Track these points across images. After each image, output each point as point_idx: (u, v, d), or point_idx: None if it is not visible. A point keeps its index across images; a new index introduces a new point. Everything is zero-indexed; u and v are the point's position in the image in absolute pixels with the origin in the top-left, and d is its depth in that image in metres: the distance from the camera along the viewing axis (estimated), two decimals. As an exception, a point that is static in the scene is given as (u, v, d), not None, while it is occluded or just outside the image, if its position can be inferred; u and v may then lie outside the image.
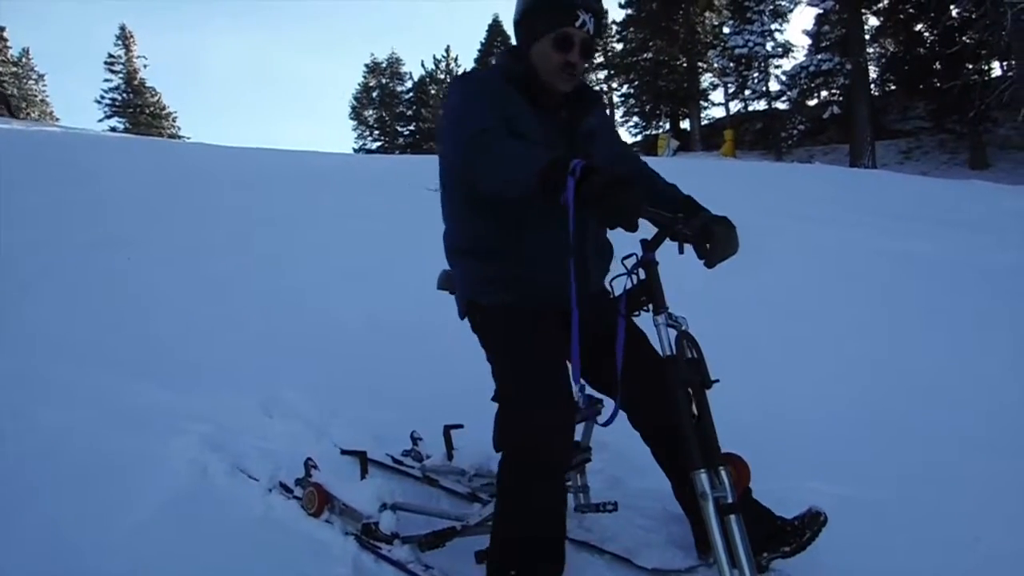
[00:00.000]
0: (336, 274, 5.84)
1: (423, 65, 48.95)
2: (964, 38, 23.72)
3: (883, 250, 6.86)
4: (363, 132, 47.44)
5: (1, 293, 4.94)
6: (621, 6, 35.80)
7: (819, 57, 27.26)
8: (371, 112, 47.40)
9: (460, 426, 2.81)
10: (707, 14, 33.84)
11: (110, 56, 42.38)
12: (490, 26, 44.91)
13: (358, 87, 47.65)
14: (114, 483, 2.58)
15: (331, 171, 12.23)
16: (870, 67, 28.60)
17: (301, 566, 2.18)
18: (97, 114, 47.80)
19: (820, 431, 3.29)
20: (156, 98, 43.58)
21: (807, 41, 30.02)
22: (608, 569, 2.23)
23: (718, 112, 36.29)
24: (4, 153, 10.76)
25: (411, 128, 46.76)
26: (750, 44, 28.72)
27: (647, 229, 1.92)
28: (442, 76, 46.00)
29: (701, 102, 34.99)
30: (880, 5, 27.59)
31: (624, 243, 1.97)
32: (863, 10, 27.24)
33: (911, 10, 26.69)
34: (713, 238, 1.92)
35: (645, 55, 34.97)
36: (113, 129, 39.15)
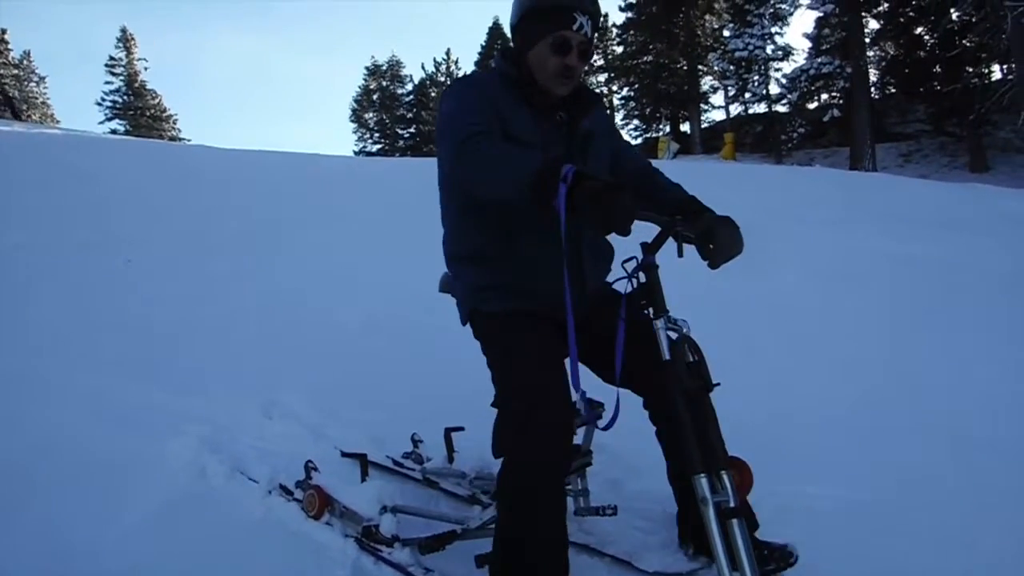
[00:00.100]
0: (336, 275, 5.85)
1: (423, 68, 49.10)
2: (964, 41, 23.76)
3: (883, 253, 6.86)
4: (363, 134, 47.48)
5: (1, 294, 4.95)
6: (621, 9, 35.84)
7: (819, 60, 27.27)
8: (371, 115, 47.42)
9: (461, 428, 2.80)
10: (707, 17, 33.86)
11: (111, 58, 42.48)
12: (490, 29, 44.98)
13: (358, 89, 47.71)
14: (112, 484, 2.58)
15: (331, 173, 12.22)
16: (870, 70, 28.59)
17: (300, 568, 2.18)
18: (98, 116, 47.94)
19: (821, 433, 3.28)
20: (157, 100, 43.61)
21: (807, 44, 30.09)
22: (609, 572, 2.23)
23: (718, 115, 36.45)
24: (4, 155, 10.77)
25: (411, 131, 46.78)
26: (750, 47, 28.75)
27: (650, 232, 1.93)
28: (442, 79, 46.02)
29: (701, 105, 35.03)
30: (880, 8, 27.62)
31: (629, 246, 1.97)
32: (863, 13, 27.26)
33: (911, 13, 26.71)
34: (716, 239, 1.92)
35: (645, 58, 35.01)
36: (114, 131, 39.14)
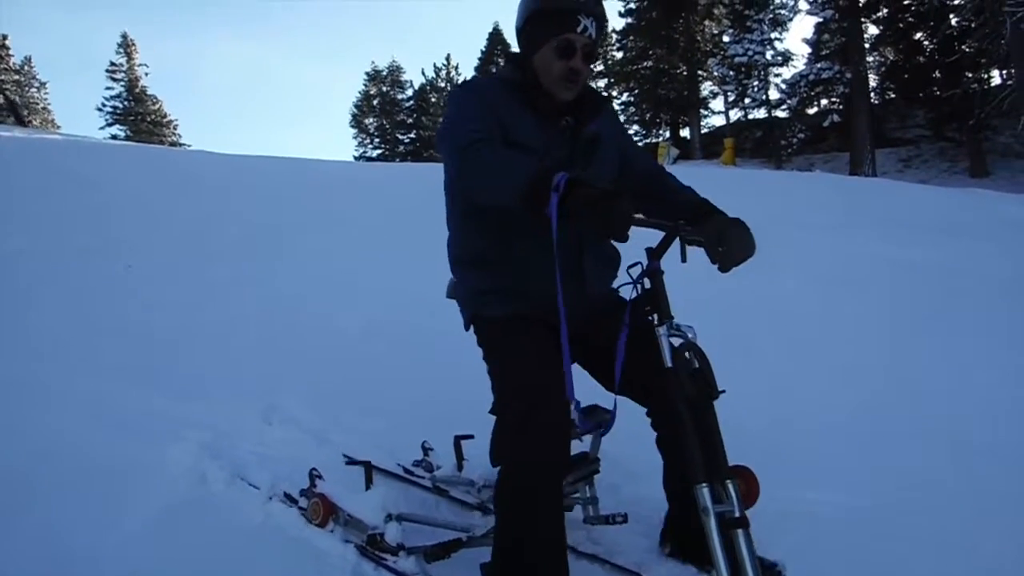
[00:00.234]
0: (336, 280, 5.85)
1: (424, 73, 49.31)
2: (963, 47, 23.81)
3: (883, 258, 6.86)
4: (363, 140, 47.49)
5: (2, 299, 4.95)
6: (621, 15, 35.89)
7: (819, 66, 27.36)
8: (372, 120, 47.45)
9: (470, 436, 2.78)
10: (707, 23, 33.92)
11: (112, 64, 42.58)
12: (490, 34, 45.07)
13: (359, 95, 47.74)
14: (112, 489, 2.57)
15: (331, 179, 12.23)
16: (870, 76, 28.67)
17: (300, 574, 2.17)
18: (98, 122, 47.89)
19: (821, 438, 3.28)
20: (157, 106, 43.69)
21: (807, 50, 30.23)
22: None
23: (718, 120, 36.38)
24: (5, 160, 10.78)
25: (411, 136, 46.80)
26: (750, 53, 28.81)
27: (657, 237, 1.92)
28: (443, 84, 46.09)
29: (701, 110, 35.06)
30: (880, 14, 27.68)
31: (636, 251, 1.97)
32: (863, 19, 27.33)
33: (911, 19, 26.78)
34: (726, 242, 1.91)
35: (645, 63, 35.04)
36: (114, 137, 39.27)
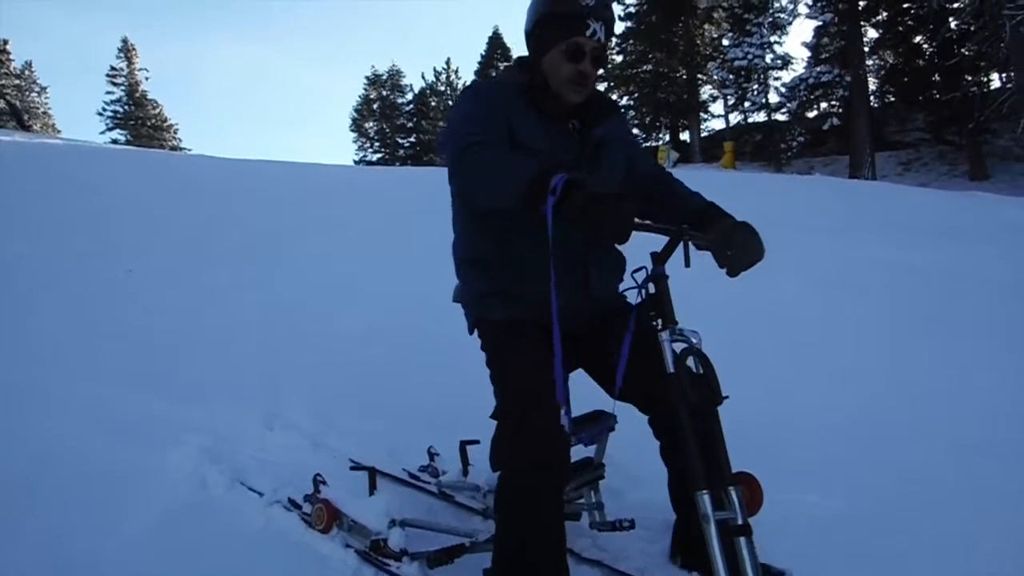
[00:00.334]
0: (336, 284, 5.84)
1: (423, 77, 49.30)
2: (963, 50, 23.85)
3: (883, 261, 6.87)
4: (363, 144, 47.59)
5: (2, 303, 4.94)
6: (621, 19, 35.89)
7: (818, 69, 27.41)
8: (372, 124, 47.54)
9: (476, 441, 2.76)
10: (706, 26, 33.98)
11: (112, 69, 42.68)
12: (490, 38, 45.16)
13: (359, 99, 47.84)
14: (113, 494, 2.57)
15: (331, 183, 12.24)
16: (869, 79, 28.70)
17: (301, 579, 2.17)
18: (99, 126, 47.94)
19: (821, 441, 3.28)
20: (157, 110, 43.79)
21: (806, 53, 30.37)
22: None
23: (718, 124, 36.44)
24: (6, 165, 10.78)
25: (411, 140, 46.89)
26: (749, 56, 28.84)
27: (663, 241, 1.92)
28: (442, 88, 46.17)
29: (701, 114, 35.09)
30: (879, 17, 27.72)
31: (642, 256, 1.97)
32: (862, 22, 27.38)
33: (910, 22, 26.81)
34: (733, 245, 1.91)
35: (645, 67, 35.07)
36: (115, 141, 39.30)
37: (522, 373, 1.94)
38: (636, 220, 1.76)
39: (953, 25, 24.52)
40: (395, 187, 12.04)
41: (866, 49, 28.25)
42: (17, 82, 40.29)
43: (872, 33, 28.61)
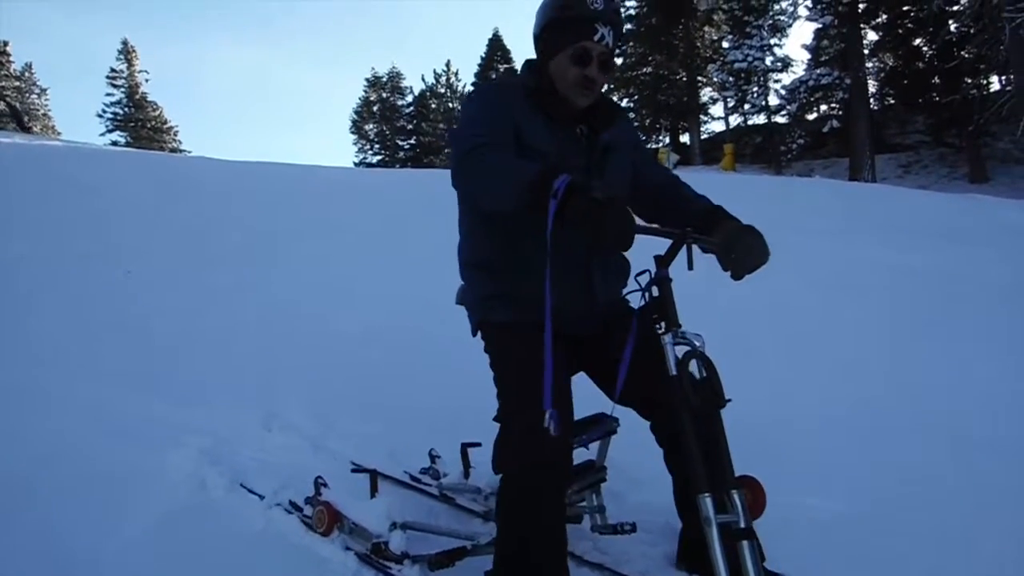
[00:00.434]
0: (335, 286, 5.84)
1: (424, 79, 49.14)
2: (963, 52, 23.86)
3: (883, 263, 6.87)
4: (364, 146, 47.56)
5: (3, 304, 4.94)
6: (621, 21, 35.90)
7: (818, 71, 27.40)
8: (372, 126, 47.52)
9: (478, 444, 2.75)
10: (706, 29, 34.00)
11: (112, 71, 42.66)
12: (490, 40, 45.13)
13: (359, 101, 47.81)
14: (112, 495, 2.57)
15: (331, 185, 12.24)
16: (869, 81, 28.71)
17: (301, 581, 2.17)
18: (99, 128, 47.90)
19: (822, 442, 3.29)
20: (157, 112, 43.77)
21: (806, 55, 30.27)
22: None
23: (718, 126, 36.49)
24: (6, 167, 10.78)
25: (411, 142, 46.86)
26: (749, 58, 28.84)
27: (667, 245, 1.92)
28: (442, 91, 46.17)
29: (701, 116, 35.11)
30: (879, 20, 27.75)
31: (646, 259, 1.97)
32: (862, 25, 27.41)
33: (910, 25, 26.82)
34: (737, 249, 1.90)
35: (645, 69, 35.08)
36: (115, 143, 39.27)
37: (527, 382, 1.94)
38: (640, 223, 1.76)
39: (953, 28, 24.56)
40: (395, 189, 12.05)
41: (866, 51, 28.27)
42: (17, 84, 40.29)
43: (872, 35, 28.67)
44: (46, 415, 3.22)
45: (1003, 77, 23.95)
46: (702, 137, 34.57)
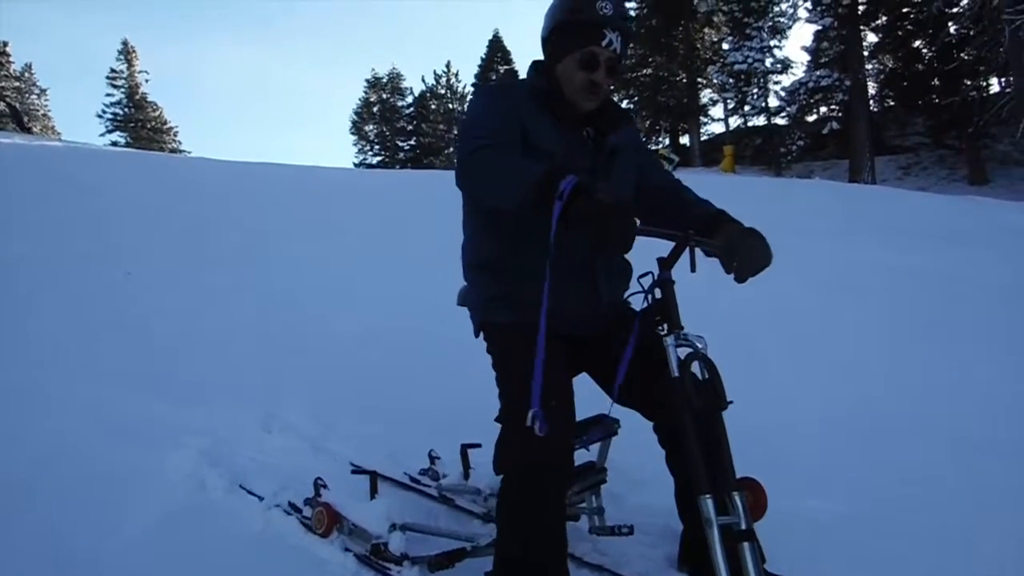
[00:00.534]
0: (335, 287, 5.84)
1: (424, 80, 49.15)
2: (962, 54, 23.90)
3: (883, 265, 6.87)
4: (363, 147, 47.54)
5: (2, 305, 4.94)
6: (621, 22, 35.89)
7: (818, 73, 27.40)
8: (372, 127, 47.51)
9: (478, 445, 2.76)
10: (706, 30, 34.01)
11: (112, 71, 42.67)
12: (490, 42, 45.15)
13: (359, 102, 47.80)
14: (112, 495, 2.57)
15: (331, 186, 12.25)
16: (869, 83, 28.74)
17: (300, 582, 2.16)
18: (99, 128, 47.91)
19: (822, 444, 3.28)
20: (157, 113, 43.79)
21: (806, 57, 30.27)
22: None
23: (718, 127, 36.42)
24: (6, 167, 10.78)
25: (411, 143, 46.85)
26: (749, 60, 28.86)
27: (668, 247, 1.92)
28: (443, 91, 46.17)
29: (701, 117, 35.10)
30: (878, 22, 27.78)
31: (648, 262, 1.97)
32: (861, 27, 27.44)
33: (909, 27, 26.87)
34: (740, 251, 1.90)
35: (645, 71, 35.09)
36: (114, 143, 39.29)
37: (526, 377, 1.94)
38: (642, 226, 1.76)
39: (952, 30, 24.60)
40: (394, 190, 12.06)
41: (866, 53, 28.30)
42: (17, 84, 40.31)
43: (872, 37, 28.70)
44: (46, 415, 3.22)
45: (1003, 79, 23.98)
46: (702, 139, 34.58)
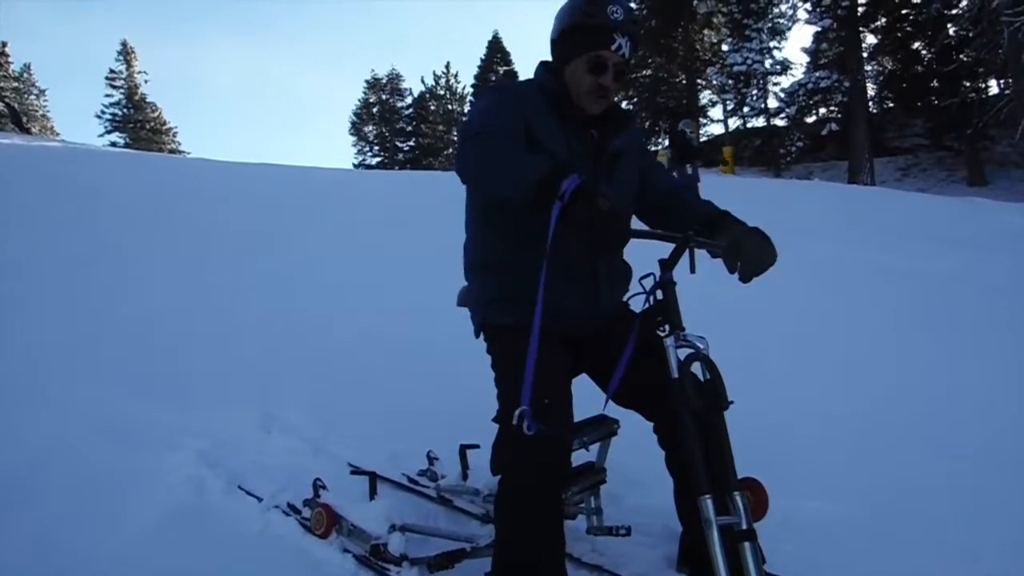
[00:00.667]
0: (334, 288, 5.84)
1: (423, 81, 49.17)
2: (961, 56, 23.95)
3: (882, 266, 6.88)
4: (363, 148, 47.56)
5: (1, 306, 4.93)
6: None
7: (817, 75, 27.45)
8: (371, 128, 47.53)
9: (476, 446, 2.75)
10: (706, 32, 34.04)
11: (111, 71, 42.67)
12: (490, 43, 45.16)
13: (358, 103, 47.83)
14: (109, 497, 2.57)
15: (331, 186, 12.25)
16: (868, 85, 28.80)
17: (298, 583, 2.16)
18: (97, 129, 47.95)
19: (821, 443, 3.28)
20: (156, 113, 43.77)
21: (805, 59, 30.31)
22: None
23: (717, 129, 36.42)
24: (4, 168, 10.78)
25: (411, 144, 46.87)
26: (749, 61, 28.90)
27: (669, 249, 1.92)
28: (442, 92, 46.21)
29: (700, 119, 35.11)
30: (878, 23, 27.84)
31: (649, 263, 1.97)
32: (861, 28, 27.49)
33: (908, 28, 26.93)
34: (743, 251, 1.90)
35: (644, 72, 35.11)
36: (113, 144, 39.25)
37: (524, 377, 1.94)
38: (642, 228, 1.76)
39: (952, 31, 24.66)
40: (394, 191, 12.06)
41: (865, 55, 28.35)
42: (16, 85, 40.28)
43: (871, 39, 28.76)
44: (44, 416, 3.22)
45: (1001, 81, 24.03)
46: (701, 140, 34.58)
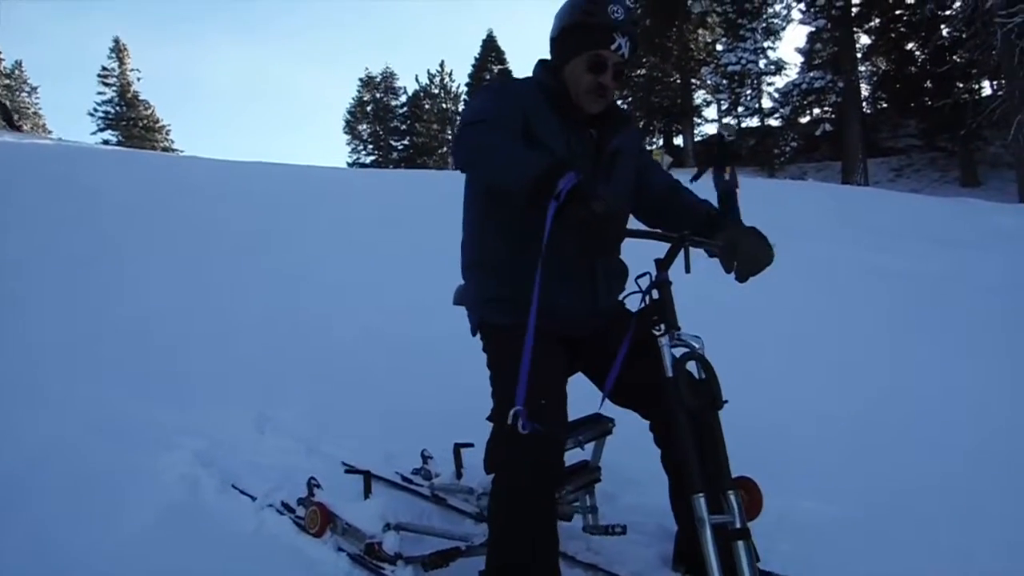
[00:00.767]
0: (331, 287, 5.84)
1: (417, 80, 48.76)
2: (955, 57, 24.03)
3: (875, 266, 6.89)
4: (357, 146, 47.45)
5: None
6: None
7: (811, 75, 27.50)
8: (365, 126, 47.40)
9: (470, 444, 2.76)
10: (700, 31, 34.07)
11: (104, 69, 42.44)
12: (484, 41, 45.09)
13: (352, 101, 47.69)
14: (105, 496, 2.57)
15: (325, 185, 12.22)
16: (862, 85, 28.87)
17: (293, 582, 2.16)
18: (90, 127, 47.77)
19: (816, 444, 3.29)
20: (149, 111, 43.57)
21: (799, 59, 30.40)
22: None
23: (711, 128, 36.46)
24: (3, 168, 10.72)
25: (405, 142, 46.76)
26: (743, 61, 28.95)
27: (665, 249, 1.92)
28: (436, 91, 46.12)
29: (694, 118, 35.17)
30: (872, 24, 27.91)
31: (646, 263, 1.97)
32: (855, 29, 27.56)
33: (902, 29, 27.01)
34: (740, 251, 1.90)
35: (639, 71, 35.15)
36: (106, 142, 39.08)
37: (519, 376, 1.94)
38: (638, 228, 1.75)
39: (945, 32, 24.73)
40: (388, 190, 12.03)
41: (859, 55, 28.42)
42: (7, 82, 40.12)
43: (865, 39, 28.81)
44: (41, 416, 3.22)
45: (995, 82, 24.13)
46: (695, 139, 34.64)
